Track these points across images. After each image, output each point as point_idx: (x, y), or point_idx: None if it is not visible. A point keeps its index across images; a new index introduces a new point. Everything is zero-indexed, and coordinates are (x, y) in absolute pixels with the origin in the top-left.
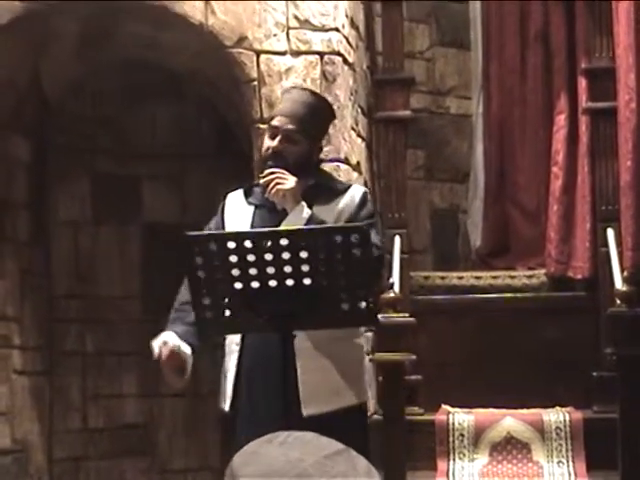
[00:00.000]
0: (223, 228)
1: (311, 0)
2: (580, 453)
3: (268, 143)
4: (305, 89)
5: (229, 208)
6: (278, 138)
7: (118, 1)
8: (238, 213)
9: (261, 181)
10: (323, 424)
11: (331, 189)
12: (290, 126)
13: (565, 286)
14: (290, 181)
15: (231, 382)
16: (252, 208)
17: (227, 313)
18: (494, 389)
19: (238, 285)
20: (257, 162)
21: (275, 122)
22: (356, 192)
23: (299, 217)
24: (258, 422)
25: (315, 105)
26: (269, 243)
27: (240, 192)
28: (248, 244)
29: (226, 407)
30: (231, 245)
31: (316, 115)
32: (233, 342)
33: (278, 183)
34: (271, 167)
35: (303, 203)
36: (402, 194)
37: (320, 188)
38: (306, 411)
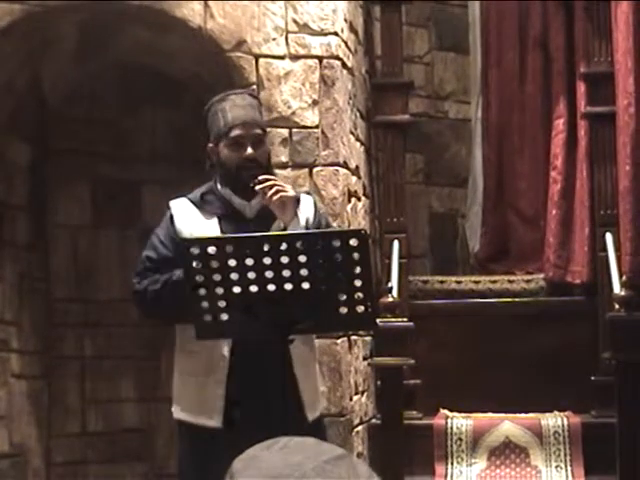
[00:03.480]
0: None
1: (311, 2)
2: (578, 458)
3: (237, 153)
4: (243, 92)
5: (180, 218)
6: (250, 145)
7: (117, 2)
8: (199, 225)
9: (257, 187)
10: (308, 429)
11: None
12: (257, 130)
13: (563, 291)
14: (290, 189)
15: (222, 398)
16: (216, 219)
17: (225, 317)
18: (492, 394)
19: (237, 289)
20: (222, 175)
21: (237, 131)
22: (307, 198)
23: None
24: (256, 432)
25: (257, 104)
26: (268, 247)
27: (185, 201)
28: (247, 248)
29: (218, 424)
30: (229, 249)
31: (261, 114)
32: (220, 360)
33: (279, 190)
34: (255, 175)
35: (300, 215)
36: (401, 198)
37: None
38: (310, 415)
